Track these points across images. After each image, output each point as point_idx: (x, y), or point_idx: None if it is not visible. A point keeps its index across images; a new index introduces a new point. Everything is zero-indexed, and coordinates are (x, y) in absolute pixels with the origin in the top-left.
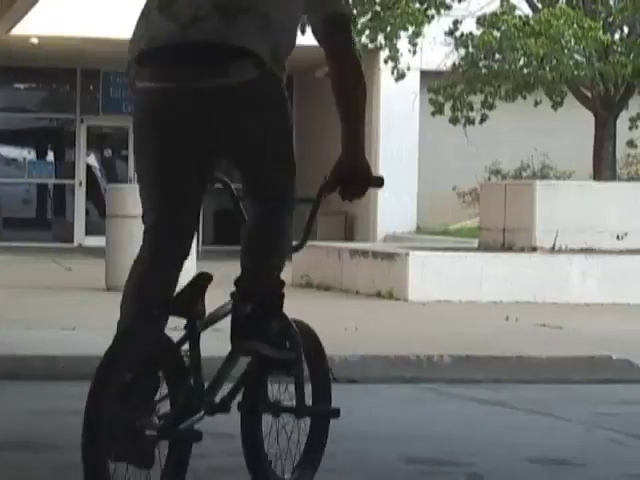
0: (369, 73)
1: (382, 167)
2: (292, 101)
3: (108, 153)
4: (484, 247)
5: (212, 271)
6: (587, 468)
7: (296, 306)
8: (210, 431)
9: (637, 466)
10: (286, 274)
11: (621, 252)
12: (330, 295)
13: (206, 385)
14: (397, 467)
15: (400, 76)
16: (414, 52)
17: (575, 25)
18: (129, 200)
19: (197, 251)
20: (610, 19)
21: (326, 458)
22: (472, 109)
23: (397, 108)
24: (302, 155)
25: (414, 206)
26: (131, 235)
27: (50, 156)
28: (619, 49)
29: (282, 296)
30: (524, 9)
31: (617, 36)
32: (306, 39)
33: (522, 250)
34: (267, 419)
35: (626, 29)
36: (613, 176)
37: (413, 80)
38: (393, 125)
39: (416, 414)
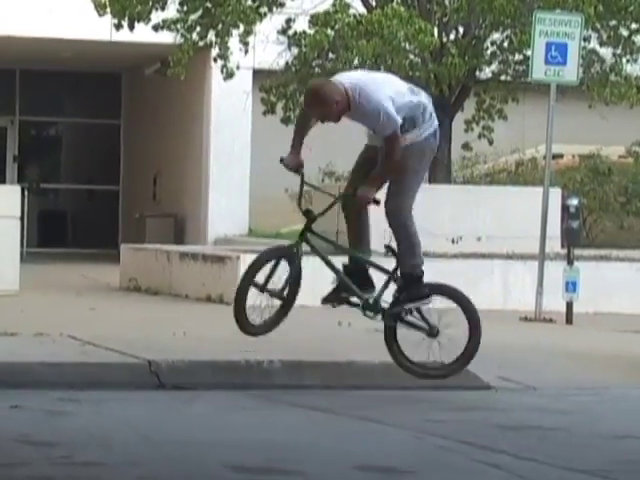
0: (200, 71)
1: (213, 167)
2: (120, 99)
3: None
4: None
5: (36, 274)
6: (417, 475)
7: (123, 311)
8: (32, 440)
9: (469, 474)
10: (113, 278)
11: (455, 256)
12: (159, 299)
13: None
14: (222, 475)
15: (229, 75)
16: (246, 51)
17: (408, 26)
18: None
19: (21, 253)
20: (445, 19)
21: (144, 464)
22: None
23: (229, 107)
24: (131, 151)
25: (246, 208)
26: None
27: None
28: (453, 51)
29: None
30: (359, 8)
31: (452, 37)
32: (135, 36)
33: None
34: None
35: (461, 30)
36: (448, 179)
37: (245, 79)
38: (224, 124)
39: (244, 421)
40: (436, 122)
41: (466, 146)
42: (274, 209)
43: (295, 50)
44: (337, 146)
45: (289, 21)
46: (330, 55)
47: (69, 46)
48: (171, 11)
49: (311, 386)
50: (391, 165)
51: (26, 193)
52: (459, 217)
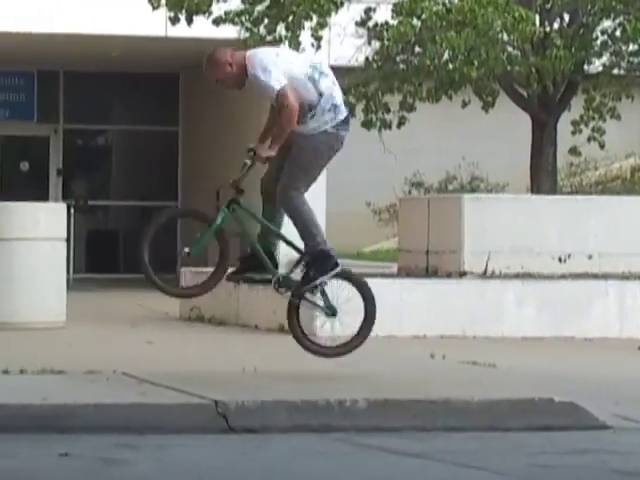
0: None
1: None
2: (178, 102)
3: None
4: (404, 272)
5: (85, 304)
6: None
7: (184, 344)
8: None
9: None
10: (172, 307)
11: (563, 277)
12: (224, 330)
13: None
14: None
15: None
16: (318, 46)
17: (506, 14)
18: None
19: (67, 280)
20: (548, 6)
21: None
22: (389, 111)
23: None
24: (190, 162)
25: (322, 226)
26: None
27: None
28: (558, 41)
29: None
30: None
31: (556, 26)
32: (194, 30)
33: (449, 276)
34: None
35: (567, 17)
36: (554, 188)
37: None
38: None
39: (324, 468)
40: (342, 115)
41: (574, 151)
42: (354, 225)
43: (376, 44)
44: (423, 154)
45: (369, 11)
46: (416, 49)
47: (119, 44)
48: (234, 2)
49: (400, 428)
50: (281, 132)
51: (72, 211)
52: (567, 232)
